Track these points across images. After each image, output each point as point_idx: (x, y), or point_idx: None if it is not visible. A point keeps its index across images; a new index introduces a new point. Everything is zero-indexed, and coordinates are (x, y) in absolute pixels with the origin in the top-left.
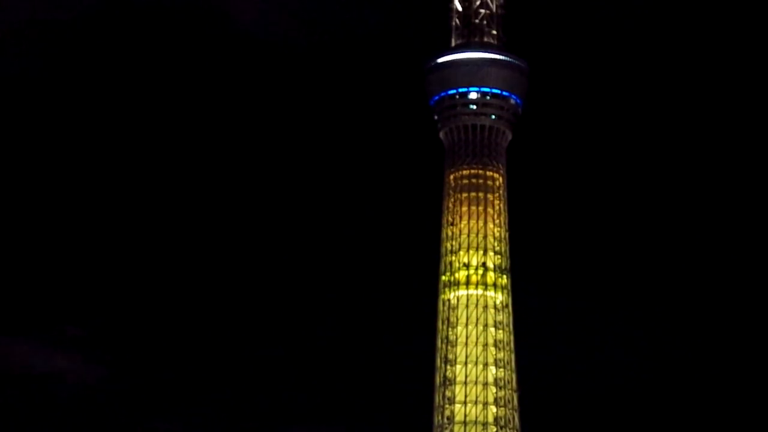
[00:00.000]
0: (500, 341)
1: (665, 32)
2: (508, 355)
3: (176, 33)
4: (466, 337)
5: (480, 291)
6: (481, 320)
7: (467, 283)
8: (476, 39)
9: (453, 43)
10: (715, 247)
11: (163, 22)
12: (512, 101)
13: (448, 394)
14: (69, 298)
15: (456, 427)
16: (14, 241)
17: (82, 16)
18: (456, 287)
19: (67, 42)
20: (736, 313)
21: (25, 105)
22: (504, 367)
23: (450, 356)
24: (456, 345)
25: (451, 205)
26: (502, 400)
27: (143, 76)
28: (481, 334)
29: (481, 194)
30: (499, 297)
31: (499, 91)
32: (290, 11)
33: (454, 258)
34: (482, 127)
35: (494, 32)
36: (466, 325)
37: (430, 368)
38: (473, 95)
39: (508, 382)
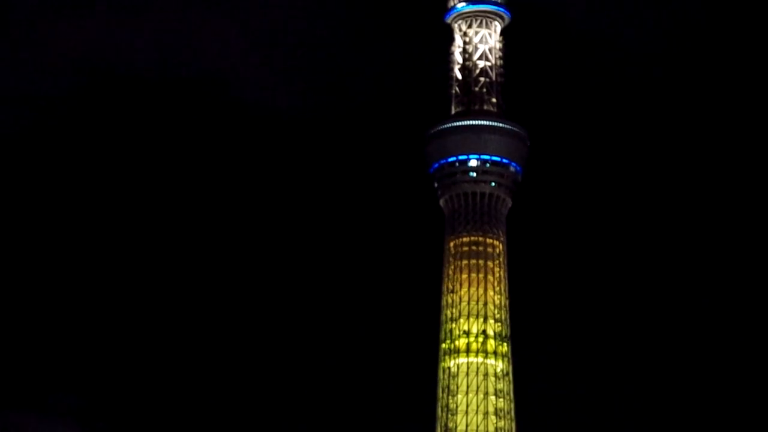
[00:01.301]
0: (501, 410)
1: (664, 99)
2: (509, 424)
3: (176, 102)
4: (467, 406)
5: (480, 359)
6: (482, 388)
7: (467, 350)
8: (476, 107)
9: (453, 111)
10: (721, 317)
11: (163, 91)
12: (512, 169)
13: None
14: (64, 367)
15: None
16: (7, 311)
17: (82, 85)
18: (456, 355)
19: (67, 111)
20: (742, 385)
21: (19, 174)
22: None
23: (450, 425)
24: (456, 413)
25: (451, 272)
26: None
27: (142, 146)
28: (481, 403)
29: (481, 261)
30: (500, 365)
31: (498, 159)
32: (290, 80)
33: (454, 325)
34: (482, 194)
35: (494, 100)
36: (467, 393)
37: None
38: (473, 163)
39: None
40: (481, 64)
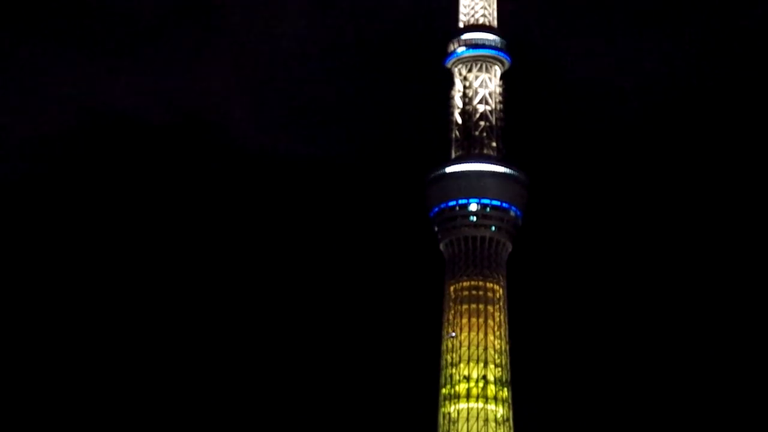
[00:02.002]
0: None
1: (664, 144)
2: None
3: (175, 147)
4: None
5: (481, 404)
6: None
7: (468, 396)
8: (476, 151)
9: (453, 155)
10: (723, 364)
11: (163, 136)
12: (512, 213)
13: None
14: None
15: None
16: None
17: (80, 129)
18: (456, 400)
19: (65, 153)
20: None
21: (23, 214)
22: None
23: None
24: None
25: (451, 316)
26: None
27: (141, 189)
28: None
29: (481, 306)
30: (500, 410)
31: (499, 203)
32: (289, 125)
33: (454, 370)
34: (482, 238)
35: (494, 144)
36: None
37: None
38: (473, 207)
39: None
40: (481, 108)
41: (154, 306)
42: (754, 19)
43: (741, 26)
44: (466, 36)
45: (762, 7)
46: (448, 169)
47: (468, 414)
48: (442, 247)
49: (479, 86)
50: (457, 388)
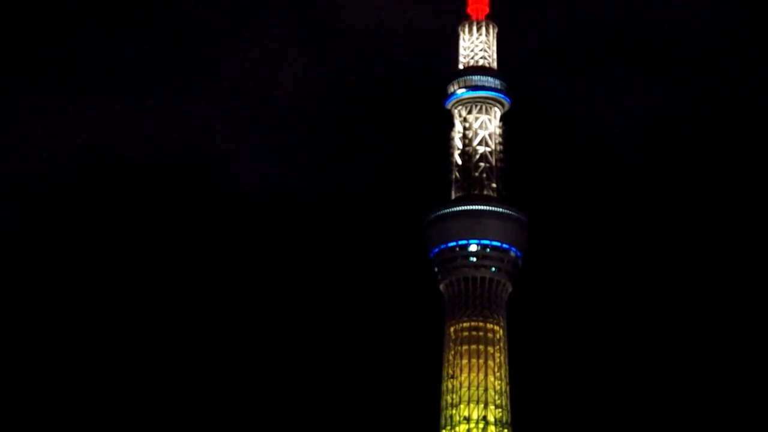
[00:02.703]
0: None
1: (662, 184)
2: None
3: (176, 188)
4: None
5: None
6: None
7: None
8: (476, 192)
9: (453, 196)
10: (724, 410)
11: (164, 177)
12: (512, 254)
13: None
14: None
15: None
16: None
17: (82, 170)
18: None
19: (67, 195)
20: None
21: (25, 256)
22: None
23: None
24: None
25: (451, 357)
26: None
27: (144, 231)
28: None
29: (481, 347)
30: None
31: (499, 244)
32: (289, 166)
33: (454, 411)
34: (482, 279)
35: (494, 185)
36: None
37: None
38: (473, 248)
39: None
40: (480, 149)
41: (155, 348)
42: (747, 63)
43: (734, 68)
44: (465, 77)
45: (754, 50)
46: (448, 210)
47: None
48: (442, 287)
49: (479, 127)
50: (457, 429)
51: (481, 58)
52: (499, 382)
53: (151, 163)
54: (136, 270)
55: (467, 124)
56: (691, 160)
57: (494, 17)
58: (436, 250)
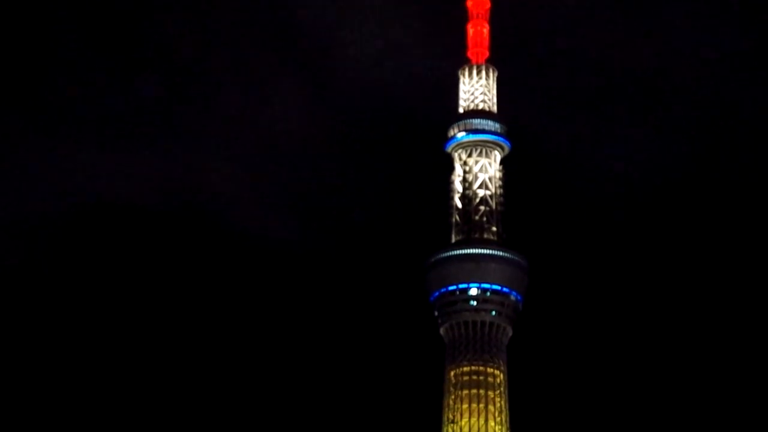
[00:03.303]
0: None
1: (661, 228)
2: None
3: (173, 232)
4: None
5: None
6: None
7: None
8: (476, 235)
9: (453, 239)
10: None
11: (161, 222)
12: (512, 297)
13: None
14: None
15: None
16: None
17: (80, 214)
18: None
19: (65, 239)
20: None
21: (24, 296)
22: None
23: None
24: None
25: (451, 402)
26: None
27: (141, 273)
28: None
29: (482, 391)
30: None
31: (499, 288)
32: (288, 209)
33: None
34: (483, 323)
35: (494, 229)
36: None
37: None
38: (473, 291)
39: None
40: (481, 193)
41: (152, 394)
42: (747, 109)
43: (734, 115)
44: (466, 121)
45: (750, 97)
46: (449, 254)
47: None
48: (442, 331)
49: (479, 171)
50: None
51: (481, 101)
52: (500, 426)
53: (150, 206)
54: (134, 313)
55: (467, 168)
56: (691, 204)
57: (494, 61)
58: (437, 293)
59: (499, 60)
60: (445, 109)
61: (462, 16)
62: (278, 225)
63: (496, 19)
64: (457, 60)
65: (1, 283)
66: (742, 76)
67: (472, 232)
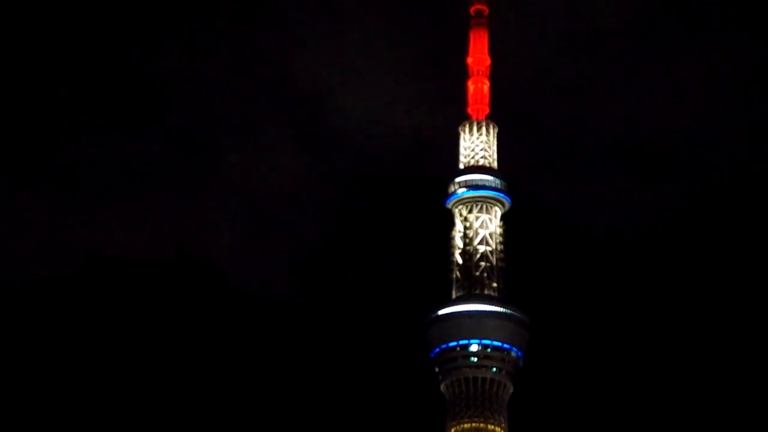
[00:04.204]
0: None
1: (660, 284)
2: None
3: (173, 288)
4: None
5: None
6: None
7: None
8: (477, 291)
9: (453, 295)
10: None
11: (163, 280)
12: (513, 354)
13: None
14: None
15: None
16: None
17: (81, 271)
18: None
19: (66, 295)
20: None
21: (24, 351)
22: None
23: None
24: None
25: None
26: None
27: (140, 328)
28: None
29: None
30: None
31: (500, 344)
32: (287, 265)
33: None
34: (483, 379)
35: (495, 285)
36: None
37: None
38: (474, 348)
39: None
40: (481, 248)
41: None
42: (744, 167)
43: (732, 173)
44: (466, 177)
45: (747, 155)
46: (449, 310)
47: None
48: (442, 388)
49: (480, 227)
50: None
51: (481, 157)
52: None
53: (150, 262)
54: (135, 369)
55: (468, 224)
56: (689, 261)
57: (494, 117)
58: (437, 349)
59: (499, 116)
60: (445, 165)
61: (462, 73)
62: (277, 281)
63: (496, 75)
64: (458, 116)
65: (1, 340)
66: (741, 135)
67: (472, 288)
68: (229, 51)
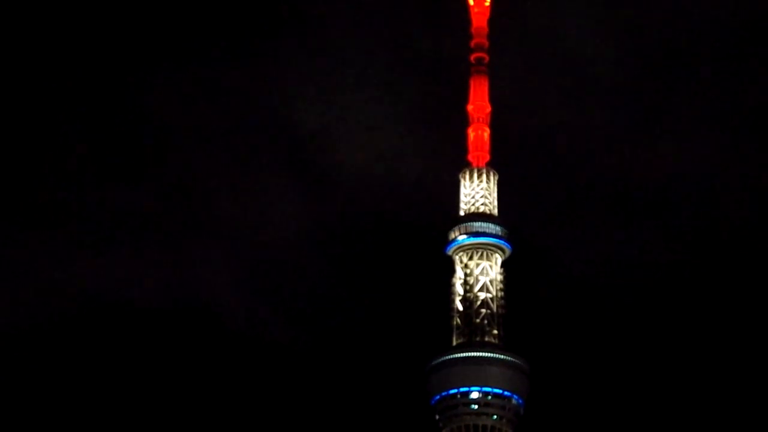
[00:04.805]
0: None
1: (661, 332)
2: None
3: (169, 333)
4: None
5: None
6: None
7: None
8: (477, 338)
9: (454, 342)
10: None
11: (159, 324)
12: (514, 401)
13: None
14: None
15: None
16: None
17: (77, 317)
18: None
19: (62, 340)
20: None
21: (22, 401)
22: None
23: None
24: None
25: None
26: None
27: (139, 373)
28: None
29: None
30: None
31: (500, 391)
32: (285, 311)
33: None
34: (484, 427)
35: (495, 332)
36: None
37: None
38: (475, 395)
39: None
40: (482, 295)
41: None
42: (739, 213)
43: (726, 219)
44: (467, 224)
45: (744, 201)
46: (450, 357)
47: None
48: None
49: (480, 274)
50: None
51: (482, 204)
52: None
53: (145, 308)
54: (133, 415)
55: (468, 271)
56: (689, 308)
57: (495, 164)
58: (438, 397)
59: (499, 163)
60: (445, 211)
61: (463, 120)
62: (276, 327)
63: (496, 122)
64: (458, 163)
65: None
66: (733, 184)
67: (473, 335)
68: (226, 98)
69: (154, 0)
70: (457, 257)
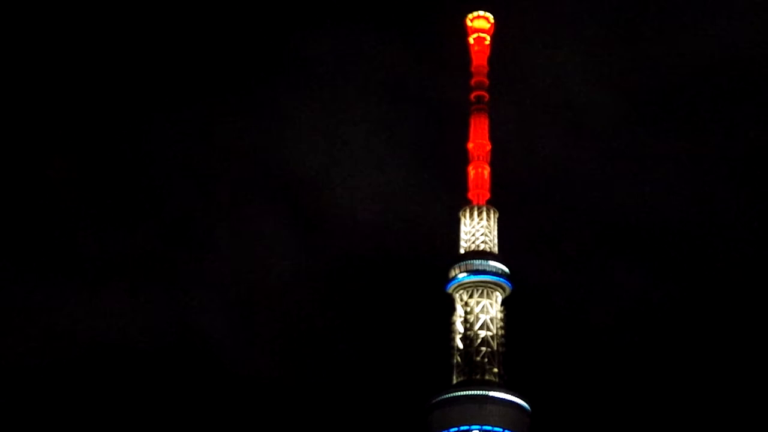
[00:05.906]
0: None
1: (661, 368)
2: None
3: (166, 374)
4: None
5: None
6: None
7: None
8: (478, 376)
9: (454, 380)
10: None
11: (157, 366)
12: None
13: None
14: None
15: None
16: None
17: (75, 359)
18: None
19: (61, 382)
20: None
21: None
22: None
23: None
24: None
25: None
26: None
27: (139, 415)
28: None
29: None
30: None
31: (501, 430)
32: (282, 351)
33: None
34: None
35: (495, 370)
36: None
37: None
38: None
39: None
40: (482, 333)
41: None
42: (733, 251)
43: (720, 257)
44: (467, 262)
45: (734, 234)
46: (450, 395)
47: None
48: None
49: (480, 312)
50: None
51: (482, 242)
52: None
53: (143, 350)
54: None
55: (468, 308)
56: (688, 344)
57: (495, 202)
58: None
59: (499, 201)
60: (445, 249)
61: (463, 158)
62: (276, 367)
63: (496, 160)
64: (458, 201)
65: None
66: (727, 220)
67: (473, 374)
68: (222, 142)
69: (149, 46)
70: (457, 295)
